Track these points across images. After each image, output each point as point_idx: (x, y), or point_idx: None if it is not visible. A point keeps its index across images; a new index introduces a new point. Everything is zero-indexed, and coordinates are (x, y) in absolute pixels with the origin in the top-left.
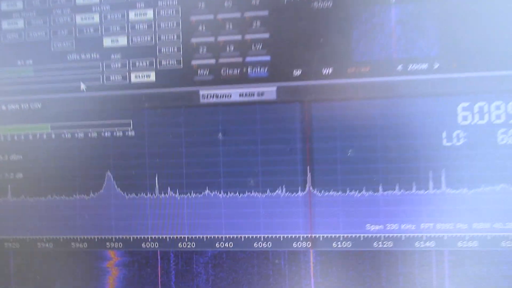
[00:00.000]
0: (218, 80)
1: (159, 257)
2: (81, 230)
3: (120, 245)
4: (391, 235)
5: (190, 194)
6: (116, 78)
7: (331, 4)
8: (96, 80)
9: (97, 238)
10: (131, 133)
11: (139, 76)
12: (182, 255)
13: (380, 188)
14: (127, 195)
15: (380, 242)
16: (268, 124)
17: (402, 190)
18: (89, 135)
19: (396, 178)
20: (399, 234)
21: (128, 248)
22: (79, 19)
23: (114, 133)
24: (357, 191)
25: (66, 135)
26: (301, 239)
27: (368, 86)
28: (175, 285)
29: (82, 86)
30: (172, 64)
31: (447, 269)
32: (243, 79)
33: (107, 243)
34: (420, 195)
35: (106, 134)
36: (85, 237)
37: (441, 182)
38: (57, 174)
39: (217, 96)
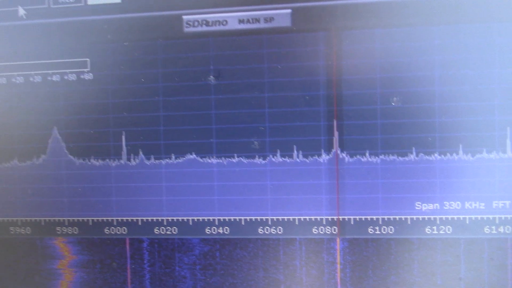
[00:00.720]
0: (209, 0)
1: (128, 256)
2: (22, 210)
3: (76, 230)
4: (450, 217)
5: (170, 160)
6: None
7: None
8: (40, 3)
9: (44, 221)
10: (89, 76)
11: None
12: (159, 252)
13: (437, 152)
14: (83, 162)
15: (435, 227)
16: (279, 62)
17: (467, 155)
18: (31, 79)
19: (459, 138)
20: (461, 216)
21: (86, 235)
22: None
23: (65, 77)
24: (404, 156)
25: (0, 80)
26: (325, 222)
27: (421, 7)
28: None
29: (21, 12)
30: None
31: None
32: None
33: (58, 228)
34: (492, 161)
35: (54, 77)
36: (28, 219)
37: None
38: None
39: (207, 23)
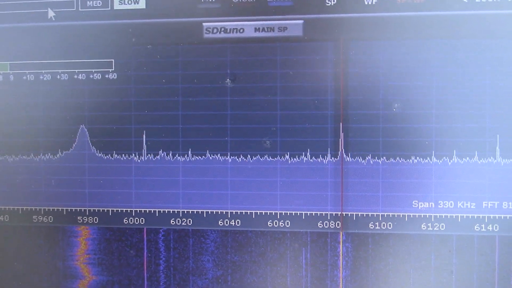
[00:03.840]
0: (228, 9)
1: (145, 277)
2: (45, 199)
3: (96, 220)
4: (444, 215)
5: (188, 156)
6: (94, 3)
7: None
8: (69, 6)
9: (66, 210)
10: (113, 75)
11: (124, 2)
12: (175, 276)
13: (433, 155)
14: (105, 156)
15: (429, 224)
16: (291, 68)
17: (460, 159)
18: (58, 77)
19: (453, 143)
20: (454, 215)
21: (106, 224)
22: None
23: (91, 76)
24: (403, 158)
25: (29, 77)
26: (329, 217)
27: (423, 22)
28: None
29: (50, 14)
30: None
31: None
32: (260, 9)
33: (79, 217)
34: (483, 165)
35: (80, 76)
36: (51, 208)
37: (511, 149)
38: (16, 127)
39: (225, 31)
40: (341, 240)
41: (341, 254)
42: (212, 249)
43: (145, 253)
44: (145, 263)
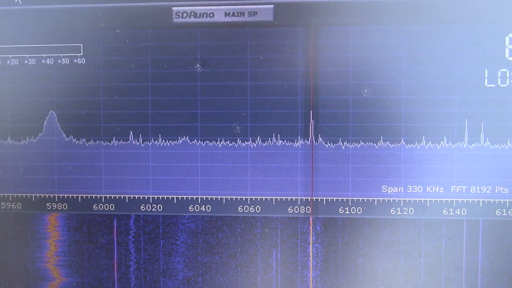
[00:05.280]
0: None
1: (116, 279)
2: (13, 186)
3: (65, 206)
4: (413, 199)
5: (157, 141)
6: None
7: None
8: None
9: (35, 196)
10: (81, 60)
11: None
12: (145, 277)
13: (402, 140)
14: (74, 141)
15: (399, 208)
16: (261, 53)
17: (429, 143)
18: (26, 62)
19: (422, 128)
20: (423, 199)
21: (75, 211)
22: None
23: (59, 61)
24: (373, 143)
25: None
26: (299, 202)
27: (392, 8)
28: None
29: None
30: None
31: (480, 243)
32: None
33: (48, 204)
34: (452, 149)
35: (48, 61)
36: (19, 195)
37: (479, 134)
38: None
39: (195, 15)
40: (311, 225)
41: (311, 240)
42: (182, 250)
43: (115, 255)
44: (115, 264)
